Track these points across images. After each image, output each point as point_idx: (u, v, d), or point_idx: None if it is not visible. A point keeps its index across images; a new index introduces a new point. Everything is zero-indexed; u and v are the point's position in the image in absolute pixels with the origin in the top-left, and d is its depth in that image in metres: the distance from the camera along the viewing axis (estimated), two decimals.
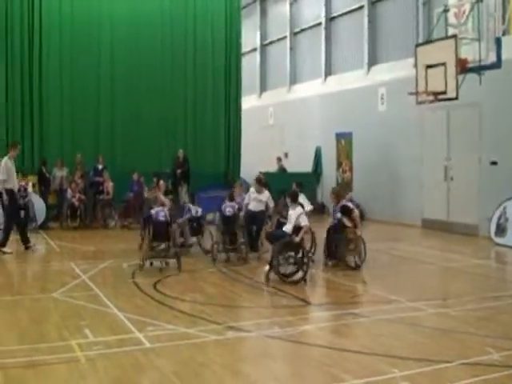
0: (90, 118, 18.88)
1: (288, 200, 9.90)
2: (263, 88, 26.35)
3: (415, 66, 13.03)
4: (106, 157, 18.41)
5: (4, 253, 11.72)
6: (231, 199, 11.70)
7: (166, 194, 12.56)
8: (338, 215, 10.47)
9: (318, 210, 18.46)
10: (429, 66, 12.47)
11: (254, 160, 21.89)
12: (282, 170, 21.36)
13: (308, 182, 17.85)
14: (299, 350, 6.20)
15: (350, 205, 10.86)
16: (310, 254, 10.29)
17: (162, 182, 13.06)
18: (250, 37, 25.36)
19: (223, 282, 9.49)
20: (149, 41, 19.48)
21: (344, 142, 20.05)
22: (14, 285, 9.32)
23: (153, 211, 10.32)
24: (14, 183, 12.10)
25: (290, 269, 9.28)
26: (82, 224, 16.11)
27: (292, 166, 21.35)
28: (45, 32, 18.41)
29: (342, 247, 10.25)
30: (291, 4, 23.92)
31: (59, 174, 17.13)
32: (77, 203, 16.11)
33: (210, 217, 14.00)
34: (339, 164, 20.40)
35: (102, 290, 8.51)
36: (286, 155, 22.68)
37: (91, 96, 18.90)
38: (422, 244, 13.82)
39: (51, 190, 17.06)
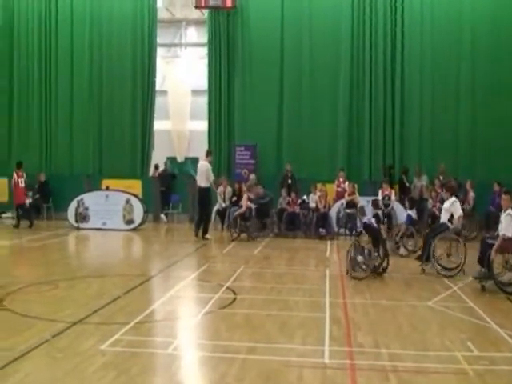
0: (448, 124, 18.74)
1: None
2: None
3: None
4: (465, 166, 18.18)
5: (206, 239, 15.03)
6: None
7: None
8: None
9: None
10: None
11: None
12: None
13: None
14: None
15: None
16: None
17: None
18: None
19: None
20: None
21: None
22: (387, 290, 9.70)
23: None
24: (204, 182, 15.25)
25: None
26: None
27: None
28: (406, 31, 18.98)
29: None
30: None
31: (419, 183, 17.50)
32: (437, 212, 16.18)
33: None
34: None
35: (476, 303, 8.44)
36: None
37: (451, 101, 18.77)
38: None
39: None
